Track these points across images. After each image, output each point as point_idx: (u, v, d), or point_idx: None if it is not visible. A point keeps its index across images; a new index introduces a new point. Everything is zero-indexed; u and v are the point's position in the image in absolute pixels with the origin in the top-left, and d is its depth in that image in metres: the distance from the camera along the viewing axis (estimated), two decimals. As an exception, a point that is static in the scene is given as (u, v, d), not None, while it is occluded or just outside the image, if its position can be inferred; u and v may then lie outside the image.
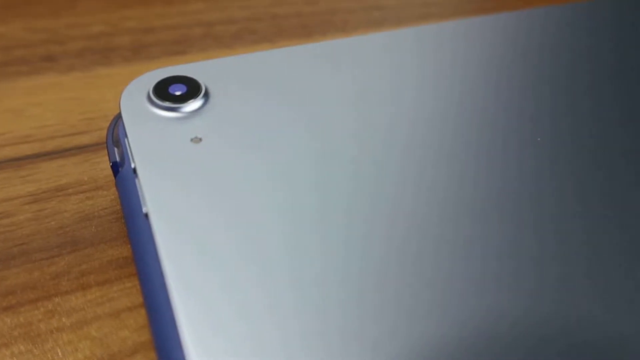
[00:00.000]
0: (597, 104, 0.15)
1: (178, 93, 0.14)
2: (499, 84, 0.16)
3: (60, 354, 0.12)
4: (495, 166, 0.13)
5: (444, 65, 0.16)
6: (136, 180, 0.13)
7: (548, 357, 0.10)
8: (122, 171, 0.14)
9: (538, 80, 0.16)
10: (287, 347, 0.10)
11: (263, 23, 0.23)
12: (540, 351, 0.10)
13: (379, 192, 0.13)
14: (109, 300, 0.13)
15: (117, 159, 0.14)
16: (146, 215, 0.12)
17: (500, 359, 0.10)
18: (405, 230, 0.12)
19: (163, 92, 0.14)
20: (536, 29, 0.18)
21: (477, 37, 0.18)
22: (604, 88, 0.16)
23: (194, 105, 0.14)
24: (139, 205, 0.12)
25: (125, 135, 0.14)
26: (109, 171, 0.15)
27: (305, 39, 0.22)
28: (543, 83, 0.16)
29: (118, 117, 0.14)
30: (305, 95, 0.15)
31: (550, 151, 0.14)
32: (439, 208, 0.12)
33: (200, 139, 0.13)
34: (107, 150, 0.14)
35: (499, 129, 0.14)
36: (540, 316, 0.11)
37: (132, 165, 0.13)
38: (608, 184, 0.13)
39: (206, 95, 0.15)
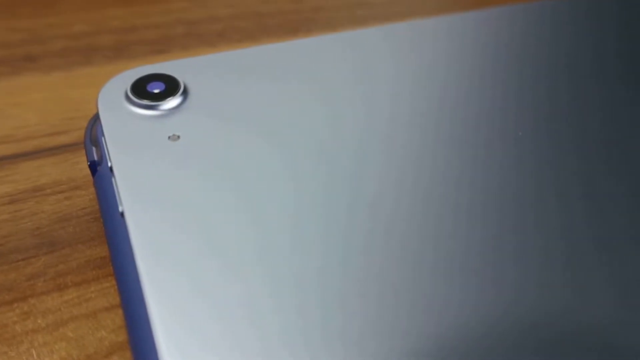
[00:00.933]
0: (576, 98, 0.15)
1: (156, 91, 0.14)
2: (483, 80, 0.16)
3: (35, 355, 0.11)
4: (476, 162, 0.13)
5: (423, 61, 0.16)
6: (112, 179, 0.13)
7: (531, 354, 0.10)
8: (99, 170, 0.13)
9: (518, 76, 0.16)
10: (262, 346, 0.10)
11: (247, 21, 0.23)
12: (523, 349, 0.10)
13: (358, 189, 0.12)
14: (86, 300, 0.12)
15: (95, 158, 0.14)
16: (122, 214, 0.12)
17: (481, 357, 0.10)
18: (385, 229, 0.12)
19: (141, 90, 0.14)
20: (518, 25, 0.18)
21: (461, 33, 0.17)
22: (581, 82, 0.16)
23: (172, 102, 0.14)
24: (115, 204, 0.12)
25: (103, 134, 0.13)
26: (88, 171, 0.15)
27: (289, 37, 0.22)
28: (523, 78, 0.16)
29: (97, 116, 0.14)
30: (286, 93, 0.15)
31: (532, 145, 0.14)
32: (418, 204, 0.12)
33: (179, 137, 0.13)
34: (85, 150, 0.14)
35: (481, 124, 0.14)
36: (526, 314, 0.11)
37: (109, 164, 0.13)
38: (588, 178, 0.13)
39: (185, 93, 0.14)
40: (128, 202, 0.12)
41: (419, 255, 0.11)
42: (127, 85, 0.14)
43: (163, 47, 0.21)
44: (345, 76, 0.15)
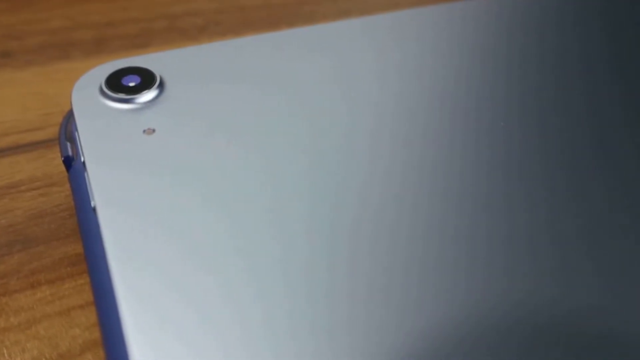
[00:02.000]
0: (562, 90, 0.15)
1: (132, 84, 0.14)
2: (467, 72, 0.16)
3: (6, 354, 0.11)
4: (458, 154, 0.13)
5: (405, 53, 0.16)
6: (85, 174, 0.12)
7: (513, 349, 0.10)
8: (74, 165, 0.13)
9: (502, 66, 0.16)
10: (235, 342, 0.10)
11: (229, 15, 0.22)
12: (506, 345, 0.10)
13: (338, 187, 0.12)
14: (59, 298, 0.12)
15: (70, 153, 0.13)
16: (94, 209, 0.12)
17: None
18: (357, 223, 0.12)
19: (116, 84, 0.14)
20: (506, 15, 0.18)
21: (445, 24, 0.17)
22: (567, 75, 0.16)
23: (147, 96, 0.14)
24: (88, 200, 0.12)
25: (76, 129, 0.13)
26: (64, 167, 0.15)
27: (272, 30, 0.22)
28: (507, 69, 0.16)
29: (72, 112, 0.14)
30: (264, 86, 0.14)
31: (515, 136, 0.14)
32: (388, 197, 0.12)
33: (154, 130, 0.13)
34: (60, 145, 0.14)
35: (465, 115, 0.14)
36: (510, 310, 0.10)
37: (82, 159, 0.13)
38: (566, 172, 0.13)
39: (161, 86, 0.14)
40: (100, 196, 0.12)
41: (395, 249, 0.11)
42: (102, 79, 0.14)
43: (143, 41, 0.20)
44: (325, 69, 0.15)
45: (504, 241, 0.11)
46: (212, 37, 0.21)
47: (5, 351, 0.11)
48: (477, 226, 0.11)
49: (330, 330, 0.10)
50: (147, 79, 0.14)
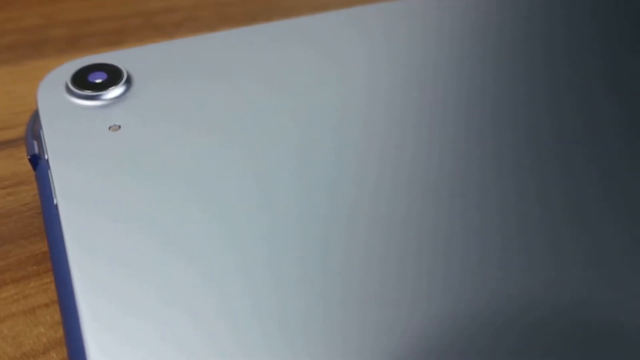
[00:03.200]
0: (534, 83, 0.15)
1: (98, 81, 0.14)
2: (442, 65, 0.16)
3: (-31, 354, 0.11)
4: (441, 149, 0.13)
5: (382, 46, 0.16)
6: (49, 172, 0.12)
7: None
8: (40, 164, 0.13)
9: (472, 61, 0.16)
10: (194, 343, 0.10)
11: (206, 11, 0.22)
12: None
13: (309, 184, 0.12)
14: (24, 297, 0.12)
15: (36, 151, 0.13)
16: (56, 207, 0.11)
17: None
18: (338, 229, 0.11)
19: (82, 81, 0.14)
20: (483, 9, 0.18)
21: (422, 17, 0.17)
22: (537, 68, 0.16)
23: (114, 92, 0.14)
24: (51, 197, 0.12)
25: (41, 127, 0.13)
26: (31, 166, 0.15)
27: (249, 24, 0.22)
28: (478, 63, 0.16)
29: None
30: (234, 80, 0.14)
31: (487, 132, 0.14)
32: (350, 190, 0.12)
33: (119, 127, 0.13)
34: (26, 143, 0.14)
35: (442, 108, 0.14)
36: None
37: (46, 157, 0.12)
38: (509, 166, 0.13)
39: (128, 82, 0.14)
40: (61, 193, 0.11)
41: (375, 249, 0.11)
42: (68, 76, 0.14)
43: (118, 38, 0.20)
44: (296, 63, 0.15)
45: (496, 239, 0.11)
46: (188, 33, 0.21)
47: (-33, 351, 0.11)
48: (465, 224, 0.11)
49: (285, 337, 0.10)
50: (114, 76, 0.14)
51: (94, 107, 0.13)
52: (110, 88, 0.14)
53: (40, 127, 0.13)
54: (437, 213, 0.11)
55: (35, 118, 0.14)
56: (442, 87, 0.15)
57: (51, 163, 0.12)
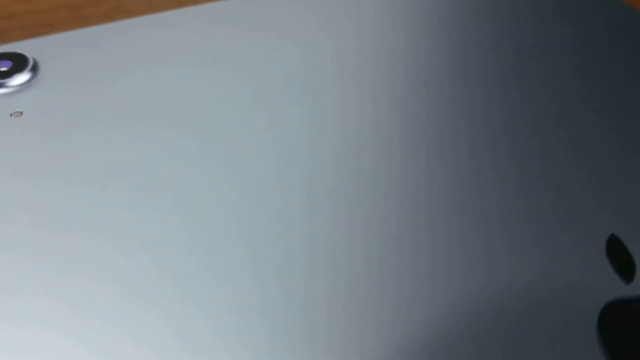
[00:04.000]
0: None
1: (3, 69, 0.14)
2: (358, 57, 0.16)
3: None
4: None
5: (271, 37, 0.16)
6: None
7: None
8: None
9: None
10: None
11: (135, 2, 0.22)
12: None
13: (218, 168, 0.12)
14: None
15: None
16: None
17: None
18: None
19: (-13, 69, 0.14)
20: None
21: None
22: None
23: (19, 79, 0.14)
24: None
25: (-56, 116, 0.13)
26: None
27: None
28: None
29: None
30: (143, 68, 0.15)
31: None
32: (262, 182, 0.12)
33: (21, 113, 0.13)
34: None
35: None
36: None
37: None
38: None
39: (34, 70, 0.14)
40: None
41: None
42: (-28, 66, 0.14)
43: (43, 31, 0.20)
44: (206, 49, 0.15)
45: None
46: (116, 24, 0.21)
47: None
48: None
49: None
50: (19, 64, 0.14)
51: (-3, 95, 0.14)
52: (14, 75, 0.14)
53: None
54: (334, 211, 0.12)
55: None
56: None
57: (-52, 150, 0.12)
